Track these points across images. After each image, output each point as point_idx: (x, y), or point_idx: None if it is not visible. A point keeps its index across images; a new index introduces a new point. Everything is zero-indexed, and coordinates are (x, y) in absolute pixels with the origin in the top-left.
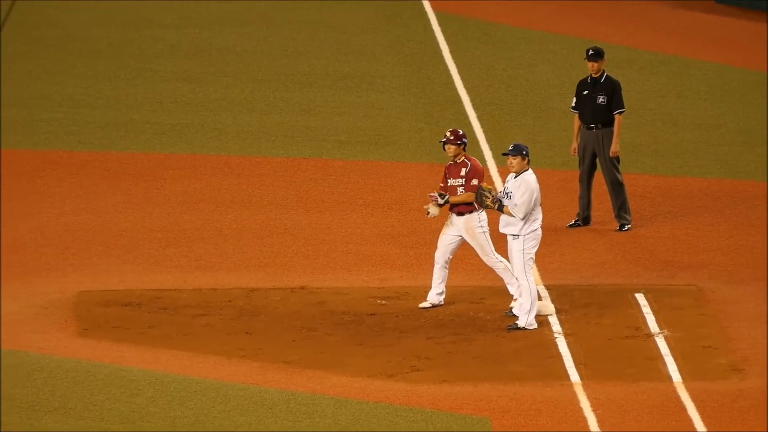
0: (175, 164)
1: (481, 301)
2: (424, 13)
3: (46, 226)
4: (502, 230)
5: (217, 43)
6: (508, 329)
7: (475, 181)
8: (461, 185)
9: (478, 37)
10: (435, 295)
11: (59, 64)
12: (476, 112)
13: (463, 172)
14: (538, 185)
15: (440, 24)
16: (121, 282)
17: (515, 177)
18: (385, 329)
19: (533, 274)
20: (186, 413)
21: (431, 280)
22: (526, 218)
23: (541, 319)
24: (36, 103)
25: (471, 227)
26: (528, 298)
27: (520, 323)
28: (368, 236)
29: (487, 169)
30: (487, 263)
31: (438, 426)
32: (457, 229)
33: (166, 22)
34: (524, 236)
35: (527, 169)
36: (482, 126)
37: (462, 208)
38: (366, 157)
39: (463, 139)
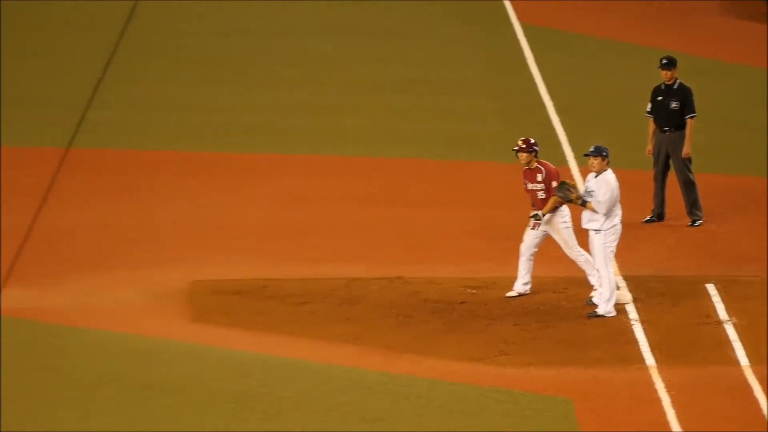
0: (280, 163)
1: (564, 290)
2: (510, 25)
3: (161, 222)
4: (584, 226)
5: (313, 52)
6: (589, 317)
7: (554, 183)
8: (541, 189)
9: (560, 47)
10: (521, 285)
11: (173, 70)
12: (558, 116)
13: (539, 177)
14: (617, 183)
15: (525, 34)
16: (230, 272)
17: (596, 176)
18: (474, 316)
19: (612, 265)
20: (291, 393)
21: (517, 271)
22: (607, 214)
23: (619, 308)
24: (152, 106)
25: (556, 223)
26: (608, 288)
27: (600, 311)
28: (458, 231)
29: (569, 169)
30: (570, 256)
31: (524, 406)
32: (543, 224)
33: (269, 31)
34: (606, 231)
35: (607, 169)
36: (564, 129)
37: (539, 201)
38: (455, 158)
39: (534, 147)
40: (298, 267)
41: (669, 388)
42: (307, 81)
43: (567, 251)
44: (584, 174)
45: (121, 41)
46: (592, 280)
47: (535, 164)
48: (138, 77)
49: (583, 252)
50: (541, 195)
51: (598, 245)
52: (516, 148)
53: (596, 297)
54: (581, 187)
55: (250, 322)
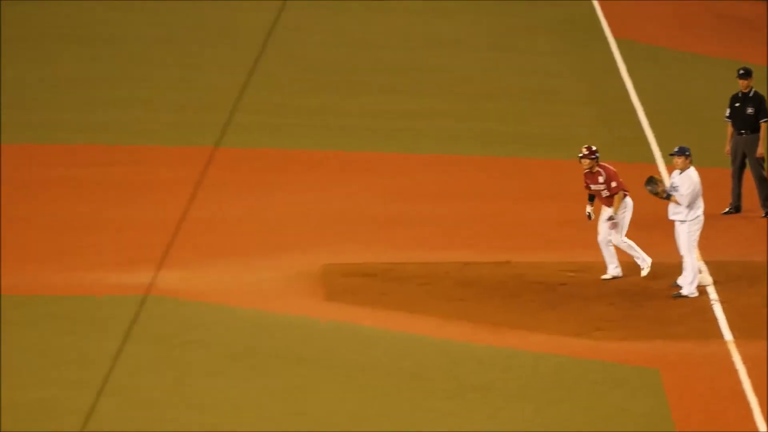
0: (393, 161)
1: (653, 274)
2: (604, 38)
3: (294, 212)
4: (670, 217)
5: (424, 63)
6: (674, 297)
7: (614, 184)
8: (603, 188)
9: (649, 59)
10: (613, 269)
11: (303, 78)
12: (648, 120)
13: (601, 179)
14: (699, 180)
15: (618, 48)
16: (358, 257)
17: (680, 173)
18: (573, 297)
19: (696, 252)
20: (411, 364)
21: (603, 258)
22: (690, 206)
23: (701, 289)
24: (285, 110)
25: (604, 222)
26: (691, 272)
27: (684, 292)
28: (556, 221)
29: (657, 167)
30: (614, 241)
31: (616, 376)
32: (608, 216)
33: (385, 43)
34: (690, 221)
35: (690, 167)
36: (653, 132)
37: (610, 202)
38: (552, 157)
39: (596, 153)
40: (417, 253)
41: (745, 360)
42: (418, 88)
43: (616, 236)
44: (670, 171)
45: (263, 53)
46: (638, 262)
47: (596, 168)
48: (274, 84)
49: (627, 239)
50: (605, 193)
51: (683, 234)
52: (580, 155)
53: (681, 280)
54: (667, 183)
55: (375, 301)
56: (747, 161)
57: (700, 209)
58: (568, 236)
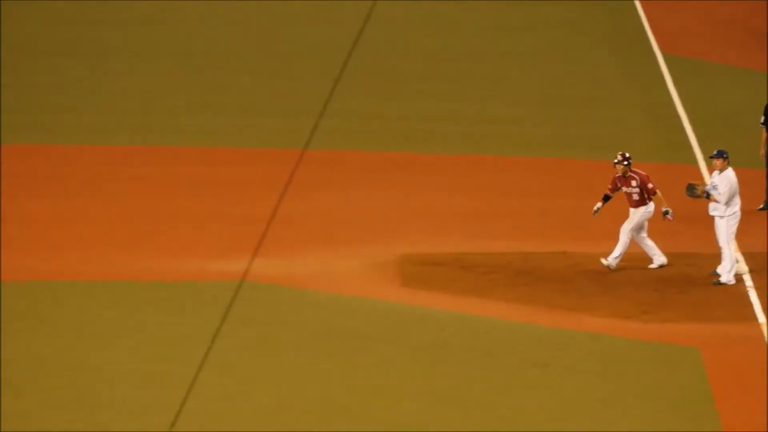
0: (463, 162)
1: (694, 264)
2: (653, 53)
3: (375, 207)
4: (711, 213)
5: (493, 73)
6: (714, 284)
7: (650, 185)
8: (635, 192)
9: (693, 72)
10: (657, 258)
11: (384, 87)
12: (691, 126)
13: (634, 183)
14: (736, 179)
15: (665, 61)
16: (430, 248)
17: (719, 173)
18: (622, 283)
19: (733, 244)
20: (479, 343)
21: (644, 251)
22: (728, 203)
23: (738, 277)
24: (368, 115)
25: (640, 214)
26: (729, 262)
27: (723, 280)
28: (608, 217)
29: (699, 168)
30: (636, 238)
31: (661, 354)
32: (636, 215)
33: (457, 57)
34: (728, 217)
35: (728, 168)
36: (696, 136)
37: (638, 203)
38: (605, 159)
39: (629, 160)
40: (482, 244)
41: None
42: (488, 95)
43: (640, 233)
44: (710, 171)
45: (348, 62)
46: (655, 258)
47: (629, 173)
48: (358, 91)
49: (648, 239)
50: (635, 197)
51: (722, 228)
52: (616, 161)
53: (720, 268)
54: (708, 182)
55: (446, 287)
56: None
57: (737, 206)
58: (613, 227)
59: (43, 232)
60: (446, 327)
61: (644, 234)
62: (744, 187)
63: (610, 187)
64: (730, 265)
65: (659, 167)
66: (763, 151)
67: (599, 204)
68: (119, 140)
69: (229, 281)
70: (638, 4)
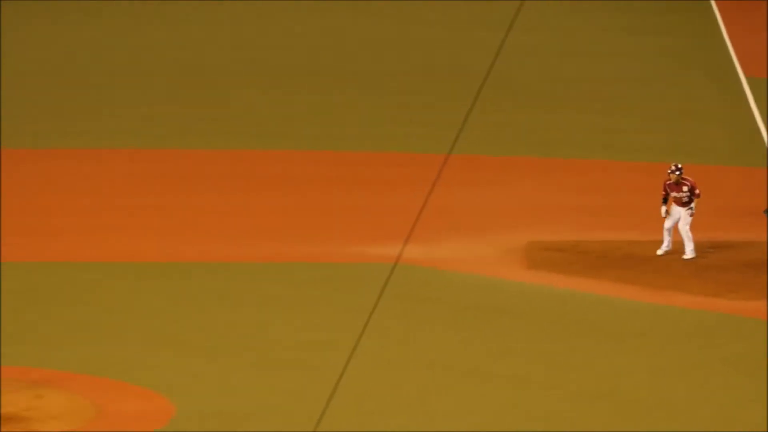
0: (576, 165)
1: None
2: (737, 75)
3: (509, 202)
4: None
5: (607, 94)
6: None
7: (698, 191)
8: (685, 196)
9: None
10: (690, 251)
11: (516, 101)
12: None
13: (685, 189)
14: None
15: (748, 83)
16: (553, 236)
17: None
18: (711, 267)
19: None
20: (595, 317)
21: (665, 237)
22: None
23: None
24: (504, 126)
25: (688, 212)
26: None
27: None
28: (700, 211)
29: None
30: (682, 230)
31: (743, 326)
32: (678, 212)
33: (582, 76)
34: None
35: None
36: None
37: (685, 204)
38: (699, 163)
39: (681, 169)
40: (596, 233)
41: None
42: (602, 109)
43: (684, 227)
44: None
45: (486, 81)
46: (687, 248)
47: (680, 180)
48: (493, 107)
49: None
50: (684, 199)
51: None
52: (670, 170)
53: None
54: None
55: (564, 269)
56: None
57: None
58: (707, 223)
59: (235, 222)
60: (567, 303)
61: (672, 226)
62: None
63: (663, 193)
64: None
65: (736, 170)
66: None
67: (664, 207)
68: (292, 146)
69: (385, 263)
70: (724, 32)
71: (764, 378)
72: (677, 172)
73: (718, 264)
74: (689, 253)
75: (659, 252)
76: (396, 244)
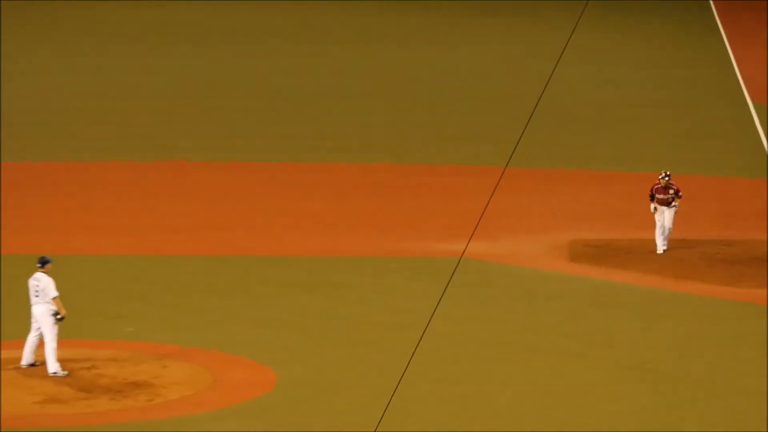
0: (611, 176)
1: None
2: (745, 100)
3: (554, 207)
4: None
5: (630, 115)
6: None
7: (681, 194)
8: (672, 197)
9: None
10: (660, 246)
11: (563, 123)
12: None
13: (671, 191)
14: None
15: (755, 108)
16: (590, 235)
17: None
18: (724, 261)
19: None
20: (621, 300)
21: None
22: None
23: None
24: (549, 145)
25: (669, 210)
26: None
27: None
28: (718, 213)
29: None
30: (667, 228)
31: (751, 311)
32: (663, 217)
33: (616, 103)
34: None
35: None
36: None
37: (669, 204)
38: (711, 174)
39: (670, 176)
40: (627, 232)
41: None
42: (631, 131)
43: (669, 224)
44: None
45: (538, 106)
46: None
47: (668, 184)
48: (541, 128)
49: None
50: (669, 200)
51: None
52: (661, 176)
53: None
54: None
55: (599, 261)
56: None
57: None
58: (719, 223)
59: (321, 221)
60: (599, 289)
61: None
62: None
63: (650, 193)
64: None
65: (744, 181)
66: None
67: (653, 204)
68: (367, 159)
69: (451, 257)
70: (734, 63)
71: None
72: (666, 178)
73: (728, 258)
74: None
75: (659, 252)
76: (461, 241)
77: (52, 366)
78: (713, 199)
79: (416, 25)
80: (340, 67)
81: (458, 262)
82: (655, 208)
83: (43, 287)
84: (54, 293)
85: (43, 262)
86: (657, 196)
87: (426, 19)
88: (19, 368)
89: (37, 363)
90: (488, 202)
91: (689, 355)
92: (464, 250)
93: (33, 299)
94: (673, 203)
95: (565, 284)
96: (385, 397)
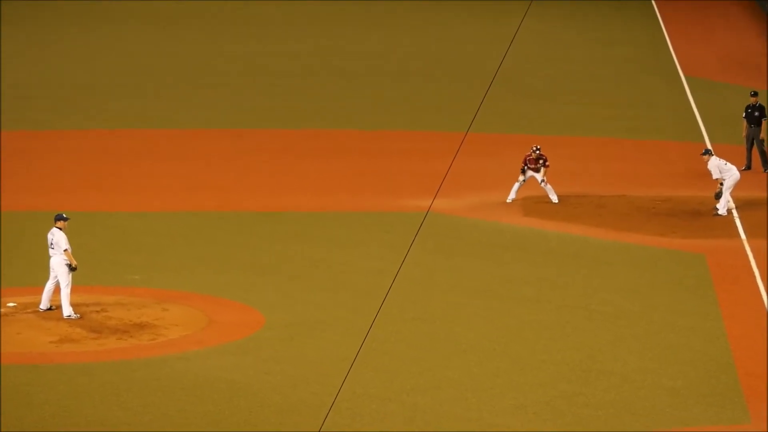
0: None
1: (701, 203)
2: (678, 75)
3: (511, 168)
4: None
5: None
6: (713, 215)
7: (548, 163)
8: (541, 166)
9: (709, 89)
10: (552, 196)
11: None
12: (702, 121)
13: (540, 162)
14: (718, 161)
15: (687, 82)
16: (543, 192)
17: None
18: (659, 215)
19: (728, 193)
20: (568, 249)
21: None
22: (723, 174)
23: (729, 212)
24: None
25: (539, 174)
26: (724, 203)
27: (720, 213)
28: (618, 178)
29: (707, 146)
30: (545, 186)
31: (681, 258)
32: (540, 176)
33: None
34: (727, 178)
35: (711, 158)
36: (705, 127)
37: (538, 170)
38: (645, 138)
39: (540, 148)
40: (574, 189)
41: (753, 250)
42: (588, 101)
43: (542, 182)
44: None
45: (495, 79)
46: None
47: (539, 155)
48: (498, 98)
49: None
50: (539, 169)
51: (726, 183)
52: (533, 150)
53: (718, 206)
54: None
55: (552, 216)
56: (755, 142)
57: (728, 172)
58: (657, 182)
59: (311, 182)
60: (550, 239)
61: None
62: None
63: (522, 165)
64: (724, 204)
65: (677, 144)
66: (744, 134)
67: (522, 176)
68: (349, 127)
69: (420, 212)
70: (669, 41)
71: (701, 295)
72: (537, 151)
73: (665, 212)
74: (555, 198)
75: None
76: (428, 198)
77: (67, 310)
78: (649, 161)
79: (385, 12)
80: (324, 50)
81: (425, 216)
82: (524, 180)
83: (56, 241)
84: (65, 246)
85: (57, 219)
86: (529, 165)
87: (397, 6)
88: (37, 312)
89: (53, 307)
90: (451, 164)
91: (630, 297)
92: (430, 206)
93: (50, 251)
94: (542, 171)
95: (521, 236)
96: (363, 335)
